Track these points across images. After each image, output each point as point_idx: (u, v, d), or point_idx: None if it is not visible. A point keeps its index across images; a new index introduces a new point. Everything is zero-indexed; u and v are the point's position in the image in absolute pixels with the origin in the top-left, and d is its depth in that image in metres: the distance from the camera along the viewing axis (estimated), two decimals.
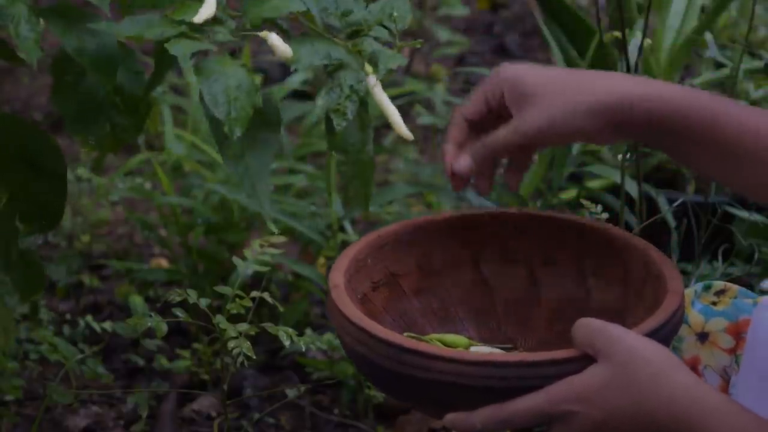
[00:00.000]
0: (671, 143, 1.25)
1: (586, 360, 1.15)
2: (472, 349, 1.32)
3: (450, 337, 1.32)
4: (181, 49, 1.25)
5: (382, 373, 1.20)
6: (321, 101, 2.39)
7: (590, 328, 1.16)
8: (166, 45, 1.26)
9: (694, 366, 1.37)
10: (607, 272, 1.35)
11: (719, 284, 1.41)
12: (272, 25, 1.35)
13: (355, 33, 1.39)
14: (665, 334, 1.21)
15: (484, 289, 1.40)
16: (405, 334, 1.31)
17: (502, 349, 1.34)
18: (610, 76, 1.24)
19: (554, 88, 1.23)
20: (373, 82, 1.35)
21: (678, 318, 1.23)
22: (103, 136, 1.36)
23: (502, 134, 1.26)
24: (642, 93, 1.22)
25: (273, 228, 1.53)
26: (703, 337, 1.38)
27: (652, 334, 1.18)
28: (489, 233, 1.40)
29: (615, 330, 1.15)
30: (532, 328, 1.38)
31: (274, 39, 1.34)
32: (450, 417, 1.17)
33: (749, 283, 1.97)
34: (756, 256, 1.98)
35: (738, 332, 1.36)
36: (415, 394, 1.20)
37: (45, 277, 1.51)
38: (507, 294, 1.40)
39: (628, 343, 1.14)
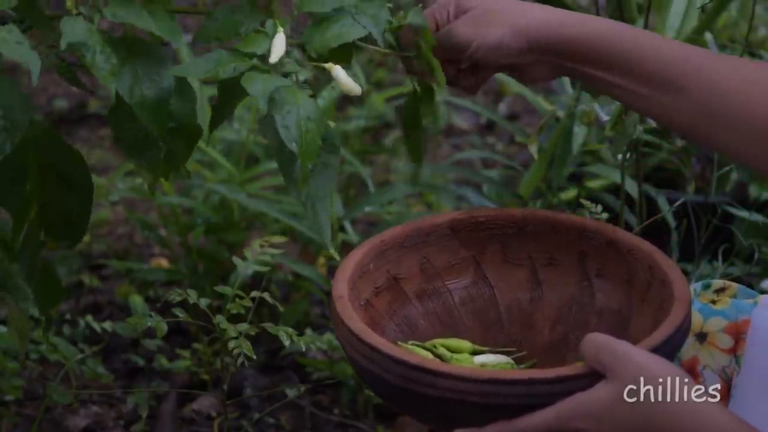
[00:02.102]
0: (593, 71, 1.30)
1: (594, 376, 1.15)
2: (477, 358, 1.31)
3: (454, 342, 1.32)
4: (259, 86, 1.25)
5: (388, 388, 1.19)
6: (321, 100, 2.38)
7: (597, 344, 1.16)
8: (242, 82, 1.24)
9: (692, 366, 1.37)
10: (610, 274, 1.35)
11: (719, 283, 1.41)
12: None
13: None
14: (674, 344, 1.20)
15: (487, 290, 1.39)
16: (410, 342, 1.31)
17: (506, 352, 1.34)
18: (541, 7, 1.33)
19: (494, 7, 1.31)
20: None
21: (686, 326, 1.23)
22: (158, 161, 1.38)
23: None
24: (565, 17, 1.31)
25: (335, 254, 1.54)
26: (701, 337, 1.37)
27: (661, 345, 1.17)
28: (490, 234, 1.39)
29: (622, 346, 1.15)
30: (536, 330, 1.37)
31: (340, 73, 1.31)
32: None
33: (749, 283, 1.97)
34: (756, 256, 1.98)
35: (738, 332, 1.36)
36: (421, 409, 1.19)
37: (63, 290, 1.52)
38: (510, 295, 1.39)
39: (636, 360, 1.14)
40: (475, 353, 1.32)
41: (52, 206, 1.41)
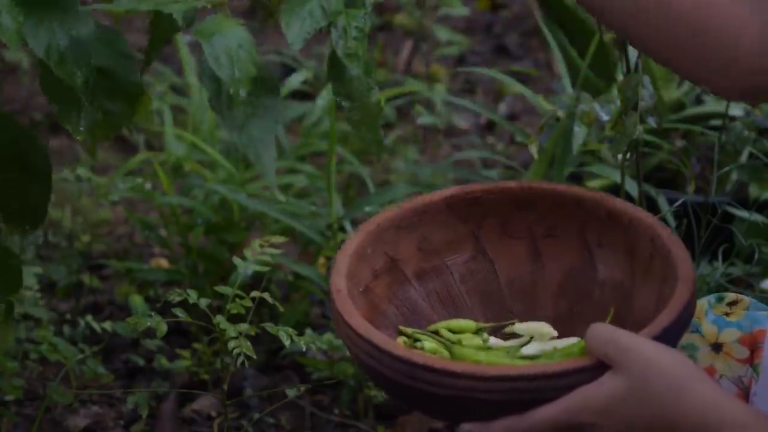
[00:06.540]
0: None
1: (600, 368, 1.14)
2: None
3: (457, 323, 1.31)
4: (180, 7, 1.19)
5: (392, 385, 1.18)
6: (321, 100, 2.39)
7: (602, 337, 1.15)
8: (162, 8, 1.19)
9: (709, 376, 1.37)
10: (611, 244, 1.33)
11: (731, 296, 1.40)
12: None
13: None
14: (678, 328, 1.19)
15: (487, 265, 1.38)
16: (411, 331, 1.30)
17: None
18: None
19: None
20: None
21: (690, 310, 1.21)
22: (95, 123, 1.32)
23: None
24: None
25: (281, 197, 1.48)
26: (716, 347, 1.37)
27: (666, 331, 1.16)
28: (488, 209, 1.37)
29: (627, 339, 1.14)
30: (539, 305, 1.36)
31: None
32: (466, 427, 1.17)
33: (749, 283, 1.97)
34: (756, 256, 1.98)
35: (753, 342, 1.36)
36: (427, 406, 1.19)
37: (22, 276, 1.48)
38: (510, 270, 1.38)
39: (642, 353, 1.13)
40: (478, 331, 1.31)
41: (8, 190, 1.37)
